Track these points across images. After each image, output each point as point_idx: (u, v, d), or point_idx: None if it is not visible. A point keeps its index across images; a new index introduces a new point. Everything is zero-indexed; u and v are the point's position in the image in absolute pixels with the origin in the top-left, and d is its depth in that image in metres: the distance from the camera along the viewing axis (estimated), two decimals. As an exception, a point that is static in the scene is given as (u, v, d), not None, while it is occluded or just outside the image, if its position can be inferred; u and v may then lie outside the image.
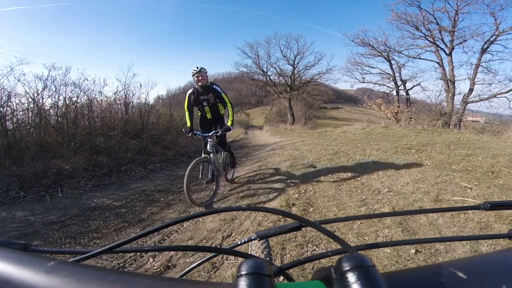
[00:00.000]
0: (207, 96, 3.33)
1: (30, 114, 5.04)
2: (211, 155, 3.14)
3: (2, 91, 4.65)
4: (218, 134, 3.25)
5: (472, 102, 13.12)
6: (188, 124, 3.40)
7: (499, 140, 6.35)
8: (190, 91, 3.39)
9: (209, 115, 3.48)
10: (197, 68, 3.20)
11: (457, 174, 3.42)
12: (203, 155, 3.08)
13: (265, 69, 24.36)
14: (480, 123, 14.07)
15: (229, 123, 3.28)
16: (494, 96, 12.44)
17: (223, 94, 3.33)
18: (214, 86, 3.35)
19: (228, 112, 3.37)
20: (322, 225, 0.36)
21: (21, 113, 4.98)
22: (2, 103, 4.58)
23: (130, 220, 2.75)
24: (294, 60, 23.78)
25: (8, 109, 4.70)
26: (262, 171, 4.66)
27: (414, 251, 1.76)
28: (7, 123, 4.53)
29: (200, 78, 3.21)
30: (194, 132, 3.30)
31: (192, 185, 3.32)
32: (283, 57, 23.89)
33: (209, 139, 3.20)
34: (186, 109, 3.44)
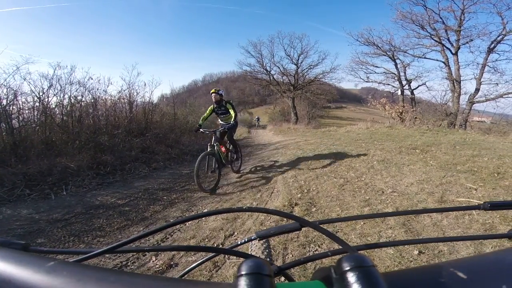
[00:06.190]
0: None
1: (35, 113, 5.10)
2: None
3: (9, 90, 4.71)
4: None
5: (478, 102, 12.95)
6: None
7: (505, 141, 6.27)
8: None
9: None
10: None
11: (462, 175, 3.38)
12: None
13: (268, 68, 24.34)
14: (486, 123, 13.87)
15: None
16: (501, 96, 12.27)
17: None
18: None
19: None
20: (322, 225, 0.36)
21: (27, 111, 5.04)
22: (9, 101, 4.63)
23: (134, 218, 2.77)
24: (298, 59, 23.73)
25: (14, 107, 4.75)
26: (265, 170, 4.66)
27: (417, 252, 1.75)
28: (13, 121, 4.58)
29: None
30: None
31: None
32: (286, 56, 23.86)
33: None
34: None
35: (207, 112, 4.35)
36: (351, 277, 0.19)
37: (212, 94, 4.14)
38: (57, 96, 5.56)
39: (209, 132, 4.04)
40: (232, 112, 4.14)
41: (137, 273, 0.26)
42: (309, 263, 1.58)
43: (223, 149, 4.21)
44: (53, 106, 5.49)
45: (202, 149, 8.06)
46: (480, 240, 1.83)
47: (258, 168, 4.91)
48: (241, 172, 4.73)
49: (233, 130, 4.38)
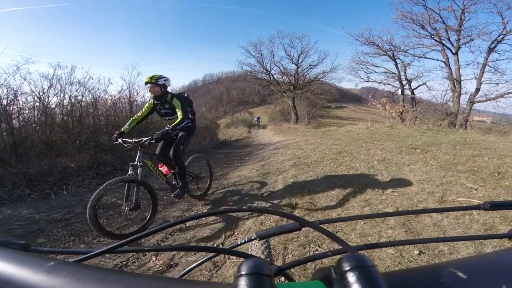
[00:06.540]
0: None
1: (36, 113, 5.10)
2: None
3: (9, 90, 4.71)
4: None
5: (478, 102, 12.97)
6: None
7: (506, 141, 6.26)
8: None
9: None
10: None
11: (463, 174, 3.38)
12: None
13: (268, 68, 24.41)
14: (487, 123, 13.87)
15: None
16: (501, 96, 12.28)
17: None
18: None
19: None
20: (322, 225, 0.36)
21: (27, 111, 5.03)
22: (9, 101, 4.63)
23: (134, 218, 2.77)
24: (298, 59, 23.80)
25: (14, 107, 4.76)
26: (265, 170, 4.66)
27: (418, 252, 1.75)
28: (14, 121, 4.59)
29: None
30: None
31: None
32: (286, 56, 23.96)
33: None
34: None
35: (143, 110, 2.91)
36: (351, 277, 0.19)
37: (147, 85, 2.66)
38: (57, 96, 5.55)
39: (129, 145, 2.55)
40: (179, 113, 2.68)
41: (137, 273, 0.26)
42: (309, 263, 1.58)
43: (164, 169, 2.83)
44: (53, 106, 5.48)
45: (202, 150, 8.07)
46: (480, 240, 1.83)
47: (257, 168, 4.86)
48: (206, 198, 3.34)
49: (176, 139, 2.83)
